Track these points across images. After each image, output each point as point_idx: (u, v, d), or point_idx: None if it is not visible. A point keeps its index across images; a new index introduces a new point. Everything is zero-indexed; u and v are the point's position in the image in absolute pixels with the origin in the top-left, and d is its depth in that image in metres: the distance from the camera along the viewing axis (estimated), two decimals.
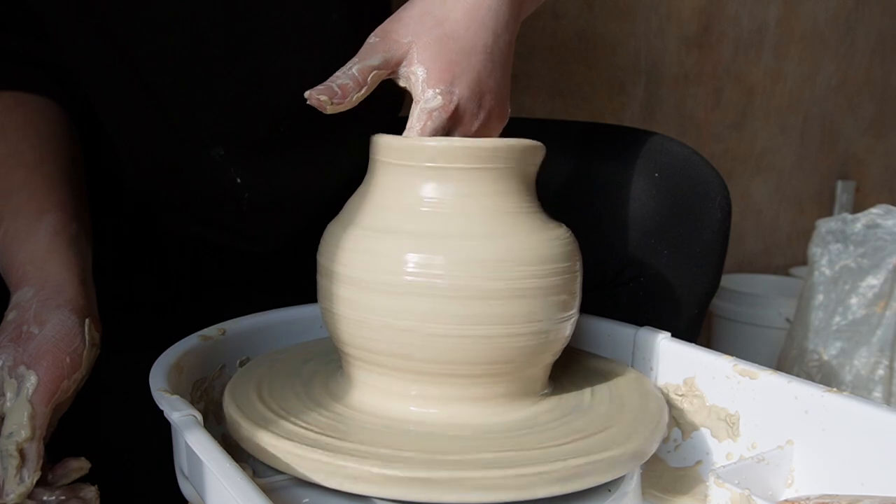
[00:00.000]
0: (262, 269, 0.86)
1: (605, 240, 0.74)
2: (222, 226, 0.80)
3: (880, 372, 1.38)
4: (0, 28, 0.70)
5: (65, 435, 0.79)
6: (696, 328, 0.80)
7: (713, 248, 0.76)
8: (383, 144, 0.57)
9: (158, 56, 0.70)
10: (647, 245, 0.74)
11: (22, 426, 0.53)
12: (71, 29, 0.70)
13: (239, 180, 0.76)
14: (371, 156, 0.58)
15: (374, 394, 0.57)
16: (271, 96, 0.73)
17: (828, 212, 2.07)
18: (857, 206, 2.02)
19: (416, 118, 0.57)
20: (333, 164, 0.78)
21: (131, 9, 0.67)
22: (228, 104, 0.72)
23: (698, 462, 0.65)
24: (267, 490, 0.50)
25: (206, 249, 0.83)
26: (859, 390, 1.39)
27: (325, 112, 0.55)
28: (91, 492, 0.55)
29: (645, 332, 0.68)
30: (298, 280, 0.71)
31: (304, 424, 0.53)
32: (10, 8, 0.70)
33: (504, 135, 0.61)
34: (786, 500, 0.53)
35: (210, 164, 0.74)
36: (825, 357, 1.45)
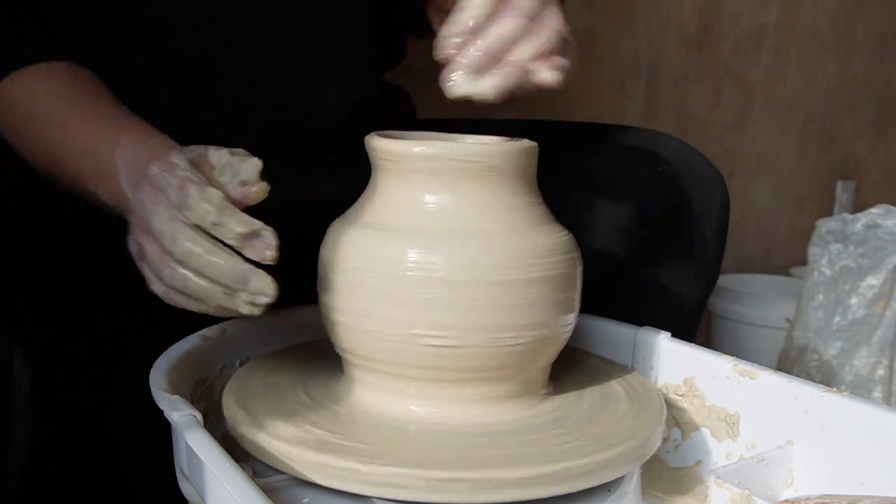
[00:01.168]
0: (262, 269, 0.86)
1: (609, 235, 0.75)
2: None
3: (880, 372, 1.38)
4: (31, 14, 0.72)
5: (65, 435, 0.79)
6: (697, 321, 0.82)
7: (713, 243, 0.77)
8: (382, 147, 0.57)
9: (204, 81, 0.73)
10: (650, 240, 0.75)
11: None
12: (118, 41, 0.73)
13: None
14: (371, 157, 0.58)
15: (374, 394, 0.57)
16: (305, 117, 0.74)
17: (828, 212, 2.07)
18: (857, 206, 2.02)
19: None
20: (356, 176, 0.79)
21: (179, 30, 0.70)
22: (264, 125, 0.75)
23: (698, 462, 0.65)
24: (267, 490, 0.50)
25: None
26: (859, 390, 1.38)
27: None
28: (271, 237, 0.53)
29: (645, 332, 0.68)
30: (298, 280, 0.71)
31: (304, 424, 0.53)
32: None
33: (506, 135, 0.61)
34: (786, 500, 0.53)
35: None
36: (825, 357, 1.45)
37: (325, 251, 0.58)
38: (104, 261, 0.71)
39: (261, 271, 0.51)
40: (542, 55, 0.55)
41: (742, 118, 1.90)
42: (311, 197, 0.79)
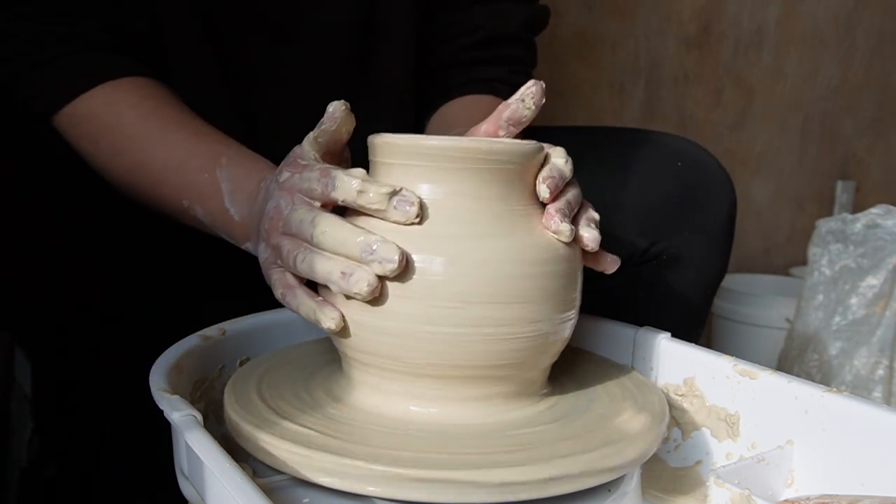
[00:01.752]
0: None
1: (633, 222, 0.78)
2: None
3: (880, 372, 1.38)
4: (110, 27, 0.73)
5: (65, 435, 0.79)
6: (704, 315, 0.85)
7: (723, 234, 0.80)
8: (382, 144, 0.57)
9: (272, 127, 0.77)
10: (670, 226, 0.78)
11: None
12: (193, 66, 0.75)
13: None
14: (371, 157, 0.58)
15: (374, 394, 0.57)
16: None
17: (828, 212, 2.07)
18: (857, 206, 2.02)
19: None
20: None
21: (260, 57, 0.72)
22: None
23: (698, 462, 0.65)
24: (267, 490, 0.50)
25: (216, 253, 0.83)
26: (859, 390, 1.39)
27: None
28: (412, 195, 0.55)
29: (645, 332, 0.68)
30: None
31: (304, 424, 0.53)
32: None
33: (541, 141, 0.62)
34: (786, 500, 0.53)
35: None
36: (825, 357, 1.45)
37: None
38: (105, 261, 0.71)
39: (388, 241, 0.53)
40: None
41: (742, 118, 1.90)
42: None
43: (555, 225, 0.56)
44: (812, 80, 1.98)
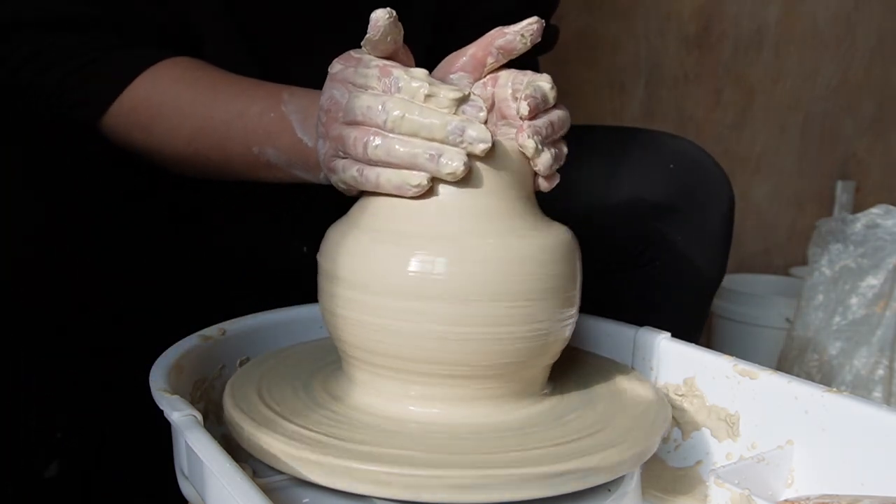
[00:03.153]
0: (265, 270, 0.86)
1: (628, 224, 0.78)
2: (247, 244, 0.83)
3: (880, 372, 1.38)
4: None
5: (65, 435, 0.79)
6: (705, 312, 0.84)
7: (722, 234, 0.80)
8: None
9: None
10: (665, 229, 0.78)
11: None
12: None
13: (305, 249, 0.79)
14: None
15: (374, 394, 0.57)
16: None
17: (828, 212, 2.07)
18: (857, 206, 2.02)
19: None
20: None
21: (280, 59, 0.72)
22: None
23: (698, 462, 0.65)
24: (267, 490, 0.50)
25: (214, 252, 0.83)
26: (859, 390, 1.38)
27: None
28: (481, 101, 0.55)
29: (645, 332, 0.68)
30: (298, 280, 0.71)
31: (304, 424, 0.53)
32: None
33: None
34: (786, 500, 0.53)
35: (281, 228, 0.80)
36: (825, 357, 1.45)
37: (324, 253, 0.58)
38: (105, 261, 0.71)
39: (474, 121, 0.53)
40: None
41: (742, 118, 1.90)
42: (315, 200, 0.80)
43: (521, 138, 0.55)
44: (812, 80, 1.98)
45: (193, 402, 0.61)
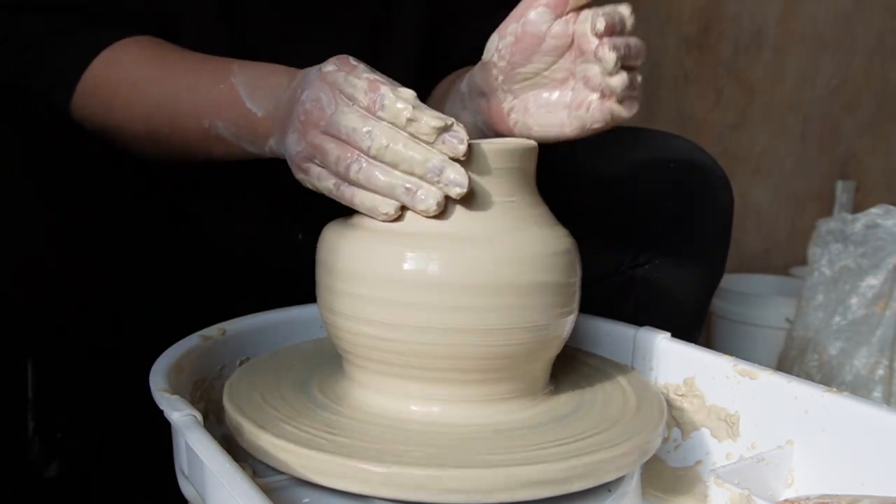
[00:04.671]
0: (264, 270, 0.86)
1: (623, 227, 0.77)
2: (256, 247, 0.83)
3: (880, 372, 1.38)
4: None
5: (65, 435, 0.79)
6: (703, 314, 0.84)
7: (720, 235, 0.79)
8: None
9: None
10: (661, 232, 0.77)
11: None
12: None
13: (301, 236, 0.80)
14: None
15: (374, 393, 0.57)
16: None
17: (828, 212, 2.07)
18: (857, 206, 2.02)
19: None
20: None
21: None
22: None
23: (698, 462, 0.65)
24: (267, 490, 0.50)
25: (214, 252, 0.83)
26: (859, 390, 1.38)
27: None
28: (462, 131, 0.54)
29: (645, 332, 0.68)
30: (298, 280, 0.71)
31: (304, 424, 0.53)
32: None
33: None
34: (786, 500, 0.53)
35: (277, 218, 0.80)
36: (825, 357, 1.45)
37: (322, 253, 0.58)
38: (105, 261, 0.71)
39: (455, 163, 0.53)
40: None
41: (742, 118, 1.90)
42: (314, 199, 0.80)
43: (601, 51, 0.55)
44: (812, 80, 1.98)
45: (193, 402, 0.61)
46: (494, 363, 0.54)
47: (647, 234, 0.77)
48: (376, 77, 0.56)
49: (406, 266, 0.53)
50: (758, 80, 1.90)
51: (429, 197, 0.53)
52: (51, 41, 0.70)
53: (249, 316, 0.70)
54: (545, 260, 0.55)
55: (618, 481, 0.55)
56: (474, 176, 0.55)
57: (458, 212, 0.55)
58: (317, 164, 0.58)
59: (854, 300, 1.44)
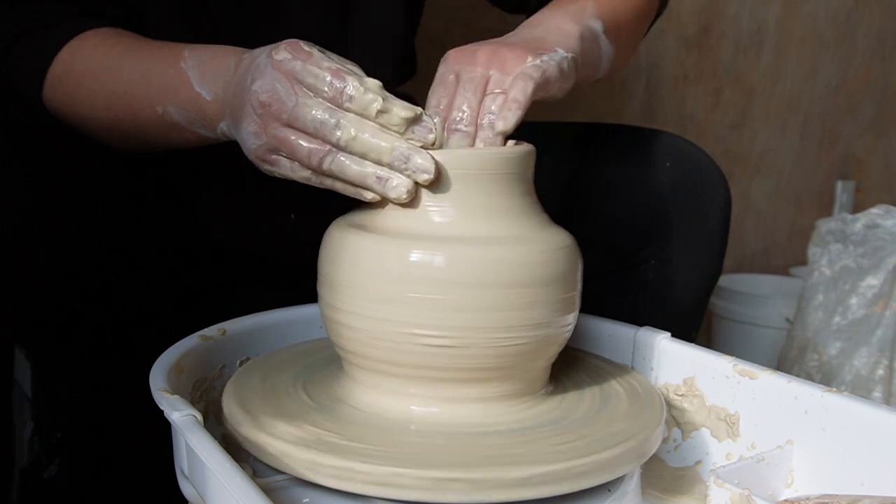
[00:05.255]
0: (263, 269, 0.86)
1: (617, 228, 0.77)
2: (253, 238, 0.83)
3: (880, 372, 1.38)
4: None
5: (66, 435, 0.79)
6: (701, 313, 0.84)
7: (717, 235, 0.79)
8: None
9: None
10: (656, 232, 0.77)
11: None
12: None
13: (293, 216, 0.81)
14: None
15: (374, 393, 0.57)
16: None
17: (828, 212, 2.07)
18: (857, 206, 2.01)
19: None
20: None
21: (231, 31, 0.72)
22: None
23: (698, 462, 0.65)
24: (267, 490, 0.50)
25: (210, 250, 0.83)
26: (859, 390, 1.38)
27: None
28: (431, 122, 0.55)
29: (645, 333, 0.68)
30: (298, 280, 0.71)
31: (304, 424, 0.53)
32: None
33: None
34: (786, 500, 0.53)
35: (269, 198, 0.79)
36: (825, 357, 1.45)
37: (325, 252, 0.58)
38: (105, 260, 0.71)
39: (421, 149, 0.54)
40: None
41: (742, 118, 1.90)
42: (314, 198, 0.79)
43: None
44: (812, 80, 1.98)
45: (193, 402, 0.61)
46: (495, 363, 0.54)
47: (644, 234, 0.77)
48: (339, 66, 0.55)
49: (408, 266, 0.53)
50: (758, 80, 1.90)
51: (399, 185, 0.54)
52: (21, 34, 0.70)
53: (249, 316, 0.70)
54: (546, 260, 0.55)
55: (618, 481, 0.55)
56: (476, 179, 0.55)
57: (460, 213, 0.55)
58: (284, 156, 0.58)
59: (854, 300, 1.44)
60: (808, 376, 1.44)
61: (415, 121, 0.54)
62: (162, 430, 0.53)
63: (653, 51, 1.74)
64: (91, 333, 0.73)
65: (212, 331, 0.66)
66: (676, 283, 0.78)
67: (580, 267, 0.58)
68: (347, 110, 0.54)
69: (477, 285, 0.53)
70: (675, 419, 0.66)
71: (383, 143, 0.54)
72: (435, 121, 0.56)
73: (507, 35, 0.67)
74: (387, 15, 0.84)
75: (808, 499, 0.52)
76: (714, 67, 1.83)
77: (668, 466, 0.66)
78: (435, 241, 0.54)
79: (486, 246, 0.54)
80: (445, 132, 0.60)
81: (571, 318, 0.58)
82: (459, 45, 0.65)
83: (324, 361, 0.64)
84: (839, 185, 2.08)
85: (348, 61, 0.57)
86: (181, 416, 0.51)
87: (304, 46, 0.57)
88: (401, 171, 0.54)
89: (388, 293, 0.53)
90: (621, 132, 0.83)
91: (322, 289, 0.58)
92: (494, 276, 0.53)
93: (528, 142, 0.60)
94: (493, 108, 0.58)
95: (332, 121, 0.54)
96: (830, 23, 1.96)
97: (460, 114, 0.59)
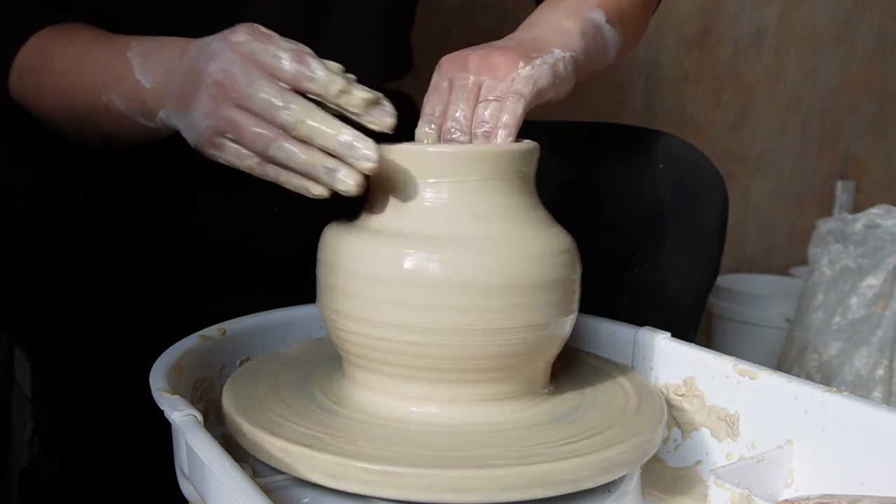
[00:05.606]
0: (263, 269, 0.86)
1: (615, 228, 0.77)
2: (238, 231, 0.82)
3: (880, 372, 1.38)
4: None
5: (66, 435, 0.79)
6: (698, 315, 0.83)
7: (714, 235, 0.79)
8: (382, 152, 0.57)
9: None
10: (654, 232, 0.76)
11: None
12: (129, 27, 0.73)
13: (276, 209, 0.80)
14: None
15: (374, 393, 0.57)
16: None
17: (828, 212, 2.07)
18: (857, 206, 2.01)
19: None
20: None
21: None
22: None
23: (698, 462, 0.65)
24: (267, 490, 0.50)
25: (210, 250, 0.83)
26: (859, 390, 1.38)
27: None
28: (390, 106, 0.54)
29: (645, 333, 0.68)
30: (298, 280, 0.71)
31: (304, 424, 0.53)
32: None
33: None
34: (786, 500, 0.53)
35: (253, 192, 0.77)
36: (825, 357, 1.45)
37: (323, 254, 0.58)
38: (105, 260, 0.71)
39: (366, 137, 0.53)
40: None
41: (742, 118, 1.90)
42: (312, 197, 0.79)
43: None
44: (812, 80, 1.98)
45: (193, 402, 0.61)
46: (495, 363, 0.54)
47: (641, 234, 0.77)
48: (300, 47, 0.55)
49: (407, 266, 0.53)
50: (758, 80, 1.90)
51: (348, 177, 0.53)
52: None
53: (249, 316, 0.70)
54: (545, 260, 0.55)
55: (618, 481, 0.55)
56: (477, 176, 0.55)
57: (460, 213, 0.55)
58: (230, 139, 0.56)
59: (854, 300, 1.44)
60: (808, 376, 1.44)
61: (375, 103, 0.53)
62: (162, 430, 0.53)
63: (653, 50, 1.74)
64: (91, 333, 0.73)
65: (212, 331, 0.66)
66: (674, 283, 0.78)
67: (580, 267, 0.58)
68: (307, 91, 0.53)
69: (476, 286, 0.53)
70: (675, 419, 0.66)
71: (329, 129, 0.52)
72: (429, 129, 0.57)
73: (506, 38, 0.67)
74: (365, 3, 0.82)
75: (808, 499, 0.52)
76: (714, 67, 1.83)
77: (668, 466, 0.66)
78: (434, 241, 0.54)
79: (486, 246, 0.54)
80: (441, 140, 0.60)
81: (571, 319, 0.58)
82: (459, 45, 0.65)
83: (324, 361, 0.64)
84: (839, 185, 2.08)
85: (307, 48, 0.56)
86: (181, 416, 0.51)
87: (263, 30, 0.56)
88: (344, 159, 0.53)
89: (386, 294, 0.53)
90: (620, 132, 0.83)
91: (320, 290, 0.58)
92: (494, 277, 0.53)
93: (530, 139, 0.60)
94: (485, 115, 0.58)
95: (281, 103, 0.53)
96: (830, 23, 1.96)
97: (455, 123, 0.59)
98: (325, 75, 0.53)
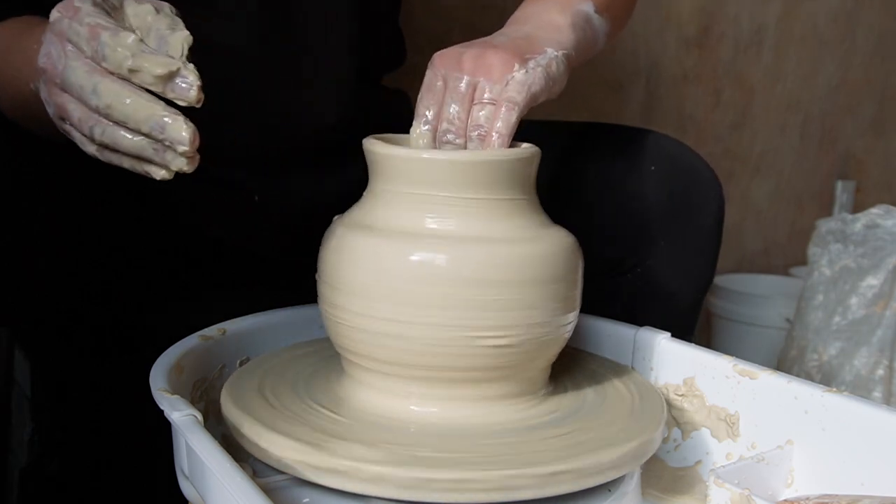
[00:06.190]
0: (263, 269, 0.86)
1: (606, 232, 0.76)
2: (236, 230, 0.82)
3: (880, 372, 1.38)
4: None
5: (66, 435, 0.79)
6: (694, 318, 0.83)
7: (709, 238, 0.78)
8: (383, 152, 0.57)
9: None
10: (646, 236, 0.76)
11: None
12: None
13: (257, 198, 0.79)
14: (370, 160, 0.58)
15: (374, 394, 0.57)
16: (294, 127, 0.75)
17: (828, 212, 2.07)
18: (857, 206, 2.01)
19: None
20: (346, 174, 0.79)
21: None
22: (254, 134, 0.75)
23: (698, 462, 0.65)
24: (267, 490, 0.50)
25: (210, 249, 0.83)
26: (859, 390, 1.38)
27: None
28: (193, 76, 0.49)
29: (645, 333, 0.68)
30: (298, 280, 0.71)
31: (304, 424, 0.53)
32: None
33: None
34: (786, 500, 0.53)
35: (231, 184, 0.77)
36: (825, 357, 1.45)
37: (325, 253, 0.58)
38: (105, 260, 0.71)
39: (177, 116, 0.48)
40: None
41: (742, 118, 1.90)
42: (310, 197, 0.79)
43: None
44: (812, 80, 1.98)
45: (193, 402, 0.61)
46: (495, 364, 0.54)
47: (638, 235, 0.76)
48: (98, 21, 0.50)
49: (409, 265, 0.53)
50: (758, 80, 1.90)
51: (176, 159, 0.49)
52: None
53: (249, 316, 0.70)
54: (547, 260, 0.55)
55: (618, 481, 0.55)
56: (479, 180, 0.55)
57: (462, 213, 0.55)
58: (72, 127, 0.53)
59: (854, 300, 1.44)
60: (808, 376, 1.44)
61: (170, 77, 0.48)
62: (162, 430, 0.53)
63: (652, 51, 1.74)
64: (91, 333, 0.73)
65: (212, 331, 0.66)
66: (671, 284, 0.78)
67: (580, 267, 0.58)
68: (105, 71, 0.50)
69: (478, 285, 0.53)
70: (675, 419, 0.66)
71: (141, 112, 0.48)
72: (424, 129, 0.57)
73: (496, 33, 0.66)
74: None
75: (808, 499, 0.52)
76: (714, 67, 1.83)
77: (668, 466, 0.66)
78: (436, 240, 0.54)
79: (487, 245, 0.54)
80: (437, 142, 0.60)
81: (571, 319, 0.58)
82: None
83: (323, 361, 0.64)
84: (839, 185, 2.07)
85: (107, 19, 0.51)
86: (181, 416, 0.51)
87: (76, 3, 0.51)
88: (160, 142, 0.49)
89: (388, 293, 0.53)
90: (615, 132, 0.83)
91: (323, 288, 0.58)
92: (495, 275, 0.53)
93: (524, 139, 0.60)
94: (480, 118, 0.58)
95: (89, 85, 0.49)
96: (830, 23, 1.96)
97: (450, 125, 0.59)
98: (114, 53, 0.48)
